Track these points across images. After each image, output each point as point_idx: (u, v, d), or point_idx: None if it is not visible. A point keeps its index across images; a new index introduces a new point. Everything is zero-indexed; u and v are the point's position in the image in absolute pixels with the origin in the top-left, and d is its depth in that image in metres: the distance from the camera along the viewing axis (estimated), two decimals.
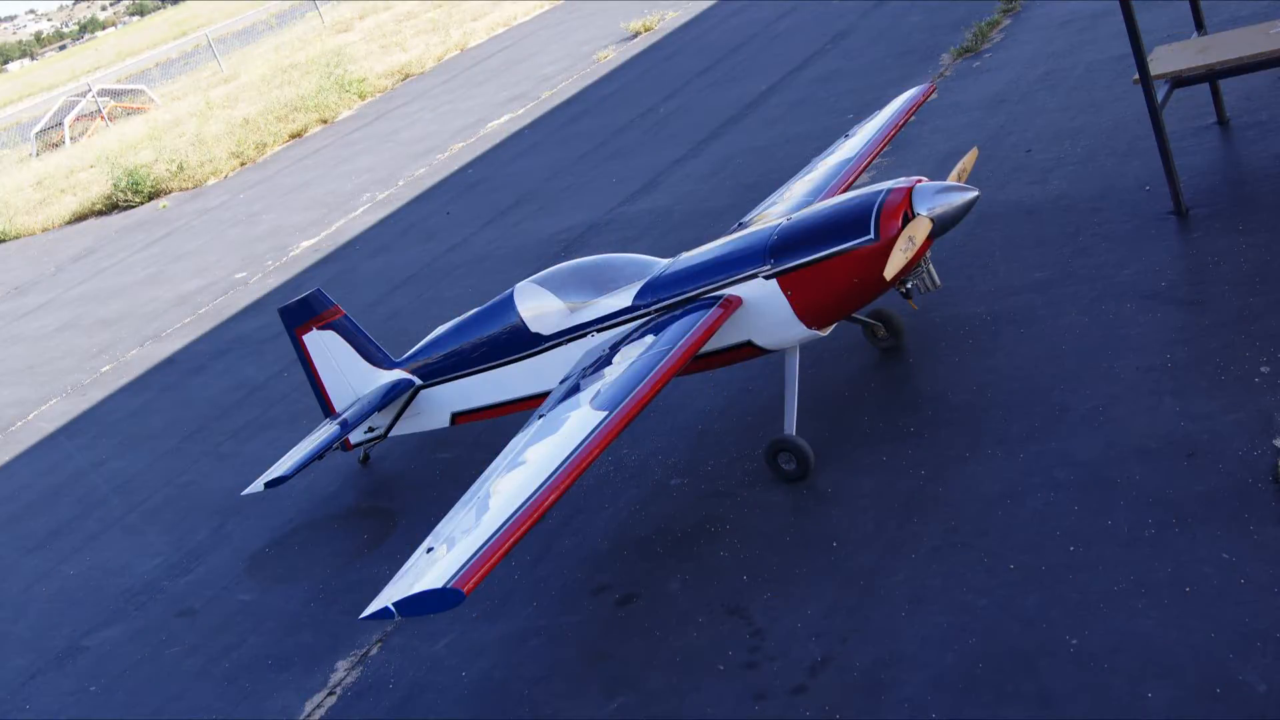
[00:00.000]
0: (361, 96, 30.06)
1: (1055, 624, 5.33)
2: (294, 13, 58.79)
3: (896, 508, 6.53)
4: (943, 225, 6.89)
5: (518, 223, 14.92)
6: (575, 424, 6.49)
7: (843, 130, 10.45)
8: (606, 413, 6.43)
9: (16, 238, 29.39)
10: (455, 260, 14.36)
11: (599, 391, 6.76)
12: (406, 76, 31.18)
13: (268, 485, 8.41)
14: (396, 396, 8.84)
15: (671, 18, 24.83)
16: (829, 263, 6.95)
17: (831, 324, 7.33)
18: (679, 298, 7.46)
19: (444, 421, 8.90)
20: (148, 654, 8.03)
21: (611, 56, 23.41)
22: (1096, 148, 10.02)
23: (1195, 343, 6.92)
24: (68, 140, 41.35)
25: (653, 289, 7.64)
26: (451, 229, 15.78)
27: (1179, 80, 8.77)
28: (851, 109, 13.60)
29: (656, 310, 7.55)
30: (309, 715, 6.72)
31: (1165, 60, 8.86)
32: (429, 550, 5.87)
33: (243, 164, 27.41)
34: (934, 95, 10.85)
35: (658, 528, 7.23)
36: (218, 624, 8.07)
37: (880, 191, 6.97)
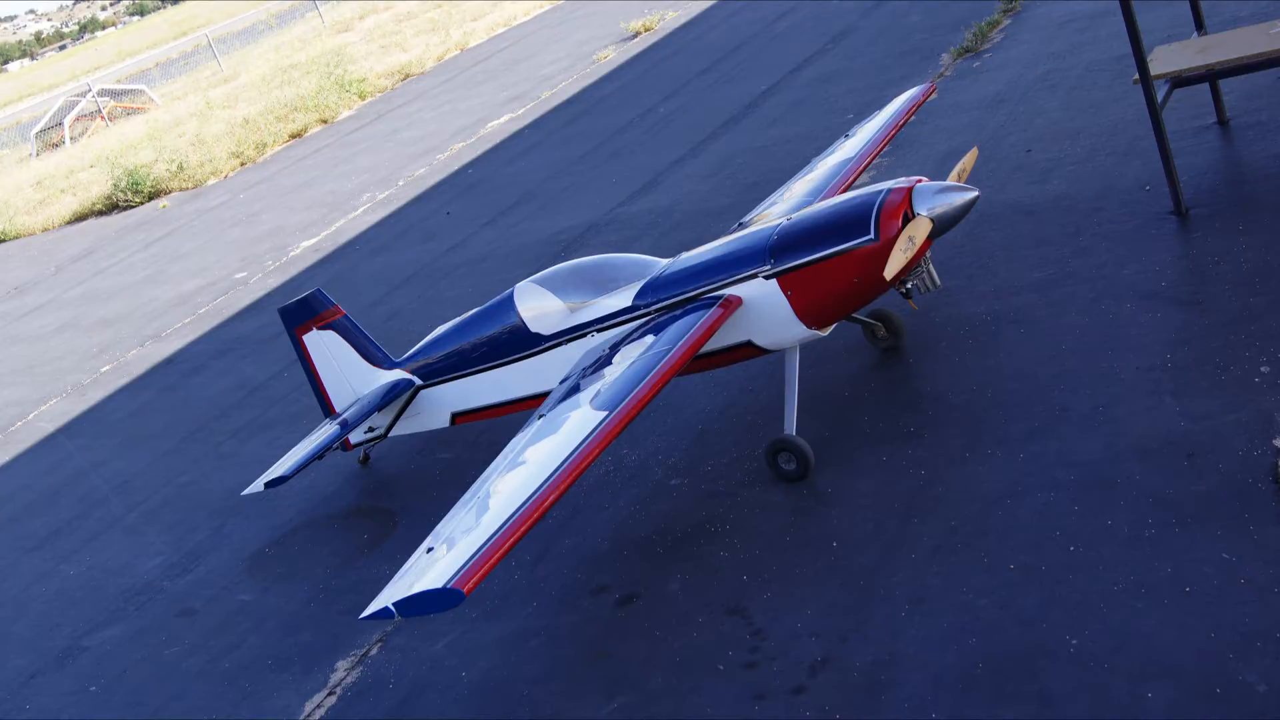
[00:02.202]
0: (361, 96, 30.06)
1: (1055, 624, 5.33)
2: (294, 13, 58.81)
3: (896, 508, 6.53)
4: (943, 225, 6.90)
5: (518, 223, 14.92)
6: (575, 424, 6.49)
7: (843, 130, 10.45)
8: (606, 413, 6.43)
9: (16, 238, 29.39)
10: (455, 260, 14.36)
11: (599, 391, 6.76)
12: (406, 76, 31.18)
13: (268, 485, 8.42)
14: (396, 396, 8.84)
15: (671, 18, 24.83)
16: (829, 263, 6.95)
17: (831, 324, 7.33)
18: (679, 298, 7.46)
19: (444, 421, 8.90)
20: (148, 654, 8.03)
21: (611, 56, 23.41)
22: (1096, 148, 10.02)
23: (1195, 343, 6.92)
24: (68, 140, 41.36)
25: (653, 289, 7.64)
26: (451, 229, 15.78)
27: (1179, 80, 8.77)
28: (851, 109, 13.60)
29: (656, 310, 7.55)
30: (309, 715, 6.72)
31: (1165, 60, 8.86)
32: (429, 550, 5.87)
33: (243, 164, 27.42)
34: (934, 95, 10.85)
35: (658, 528, 7.23)
36: (218, 624, 8.07)
37: (880, 191, 6.98)
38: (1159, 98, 8.41)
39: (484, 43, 32.52)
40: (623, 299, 7.74)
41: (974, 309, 8.27)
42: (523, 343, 8.11)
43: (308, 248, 17.73)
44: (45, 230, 28.87)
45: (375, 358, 9.16)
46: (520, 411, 8.35)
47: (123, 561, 9.55)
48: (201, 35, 60.86)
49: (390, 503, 8.91)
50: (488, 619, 6.94)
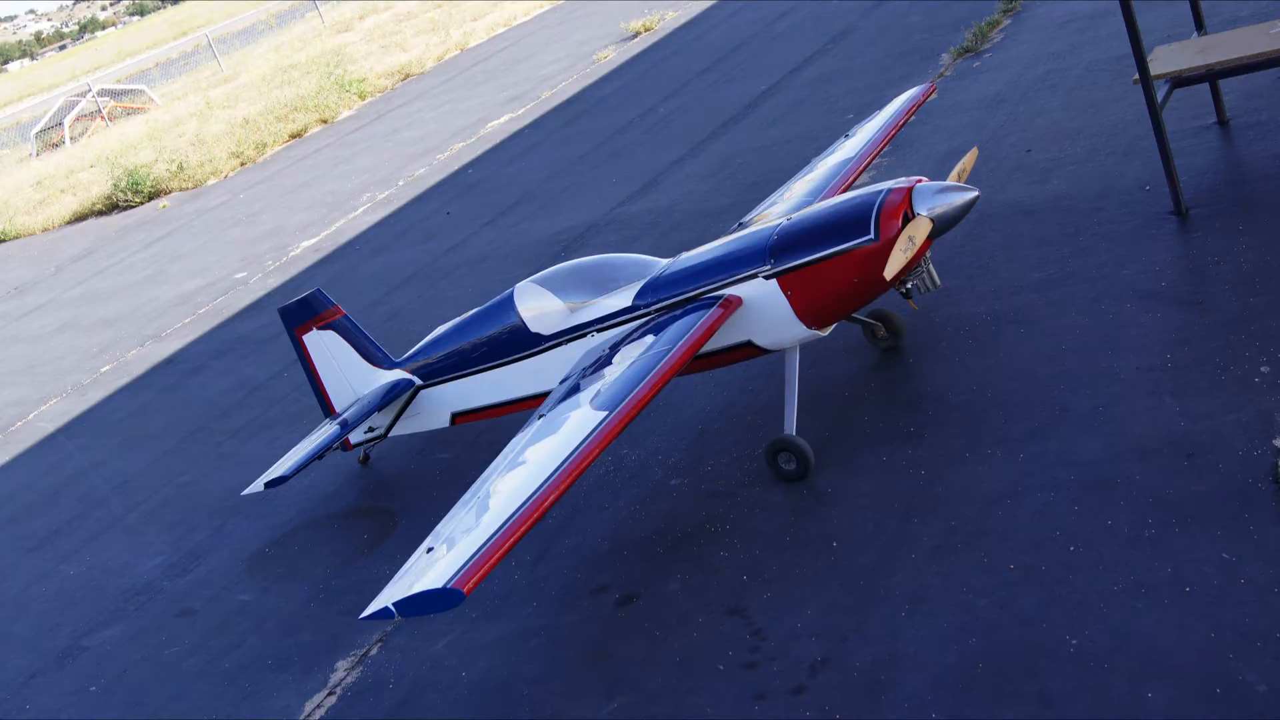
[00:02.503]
0: (361, 96, 30.06)
1: (1055, 624, 5.33)
2: (294, 13, 58.80)
3: (896, 508, 6.53)
4: (943, 225, 6.89)
5: (518, 223, 14.92)
6: (575, 424, 6.49)
7: (843, 130, 10.45)
8: (606, 413, 6.43)
9: (16, 238, 29.39)
10: (455, 260, 14.36)
11: (599, 391, 6.76)
12: (406, 76, 31.18)
13: (268, 485, 8.42)
14: (396, 396, 8.84)
15: (671, 18, 24.83)
16: (829, 263, 6.95)
17: (831, 324, 7.33)
18: (679, 298, 7.46)
19: (444, 421, 8.90)
20: (148, 654, 8.03)
21: (611, 56, 23.41)
22: (1096, 148, 10.02)
23: (1195, 343, 6.92)
24: (68, 140, 41.35)
25: (653, 289, 7.64)
26: (451, 229, 15.79)
27: (1179, 80, 8.77)
28: (851, 109, 13.60)
29: (656, 310, 7.55)
30: (309, 715, 6.72)
31: (1165, 60, 8.86)
32: (429, 550, 5.87)
33: (243, 164, 27.41)
34: (934, 95, 10.85)
35: (658, 528, 7.23)
36: (218, 624, 8.07)
37: (880, 191, 6.98)
38: (1159, 98, 8.41)
39: (484, 43, 32.52)
40: (623, 299, 7.74)
41: (974, 309, 8.27)
42: (523, 343, 8.11)
43: (308, 248, 17.73)
44: (45, 230, 28.87)
45: (375, 358, 9.16)
46: (520, 411, 8.35)
47: (123, 561, 9.55)
48: (201, 35, 60.85)
49: (390, 503, 8.91)
50: (488, 619, 6.94)
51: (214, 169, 27.04)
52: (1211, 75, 8.79)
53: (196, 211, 24.00)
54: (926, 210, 6.83)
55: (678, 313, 7.33)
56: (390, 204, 18.53)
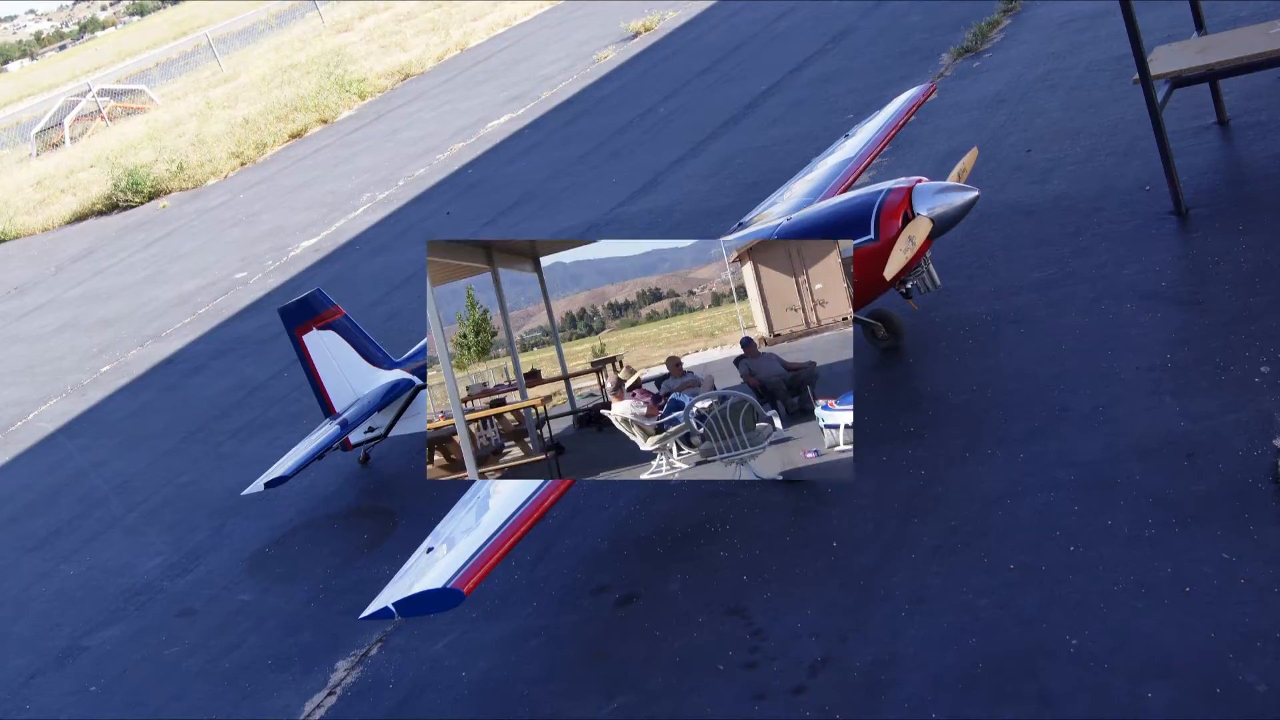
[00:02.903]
0: (361, 96, 30.05)
1: (1055, 624, 5.33)
2: (294, 13, 58.75)
3: (896, 508, 6.53)
4: (943, 225, 6.90)
5: (518, 223, 14.92)
6: None
7: (843, 130, 10.45)
8: None
9: (16, 238, 29.38)
10: None
11: None
12: (406, 76, 31.17)
13: (268, 485, 8.41)
14: (396, 396, 8.84)
15: (671, 18, 24.82)
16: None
17: None
18: None
19: None
20: (148, 654, 8.03)
21: (611, 56, 23.41)
22: (1096, 148, 10.02)
23: (1195, 343, 6.92)
24: (68, 140, 41.33)
25: None
26: (451, 229, 15.78)
27: (1179, 80, 8.77)
28: (851, 109, 13.60)
29: None
30: (309, 715, 6.72)
31: (1165, 60, 8.87)
32: (429, 550, 5.87)
33: (243, 164, 27.41)
34: (934, 95, 10.85)
35: (658, 528, 7.22)
36: (218, 624, 8.07)
37: (880, 191, 6.98)
38: (1159, 98, 8.41)
39: (484, 43, 32.50)
40: None
41: (974, 309, 8.26)
42: None
43: (308, 248, 17.73)
44: (45, 230, 28.86)
45: (375, 358, 9.16)
46: None
47: (123, 561, 9.55)
48: (201, 35, 60.78)
49: (390, 503, 8.91)
50: (488, 619, 6.94)
51: (214, 169, 27.04)
52: (1211, 75, 8.79)
53: (196, 211, 24.00)
54: (926, 210, 6.83)
55: None
56: (390, 204, 18.53)
